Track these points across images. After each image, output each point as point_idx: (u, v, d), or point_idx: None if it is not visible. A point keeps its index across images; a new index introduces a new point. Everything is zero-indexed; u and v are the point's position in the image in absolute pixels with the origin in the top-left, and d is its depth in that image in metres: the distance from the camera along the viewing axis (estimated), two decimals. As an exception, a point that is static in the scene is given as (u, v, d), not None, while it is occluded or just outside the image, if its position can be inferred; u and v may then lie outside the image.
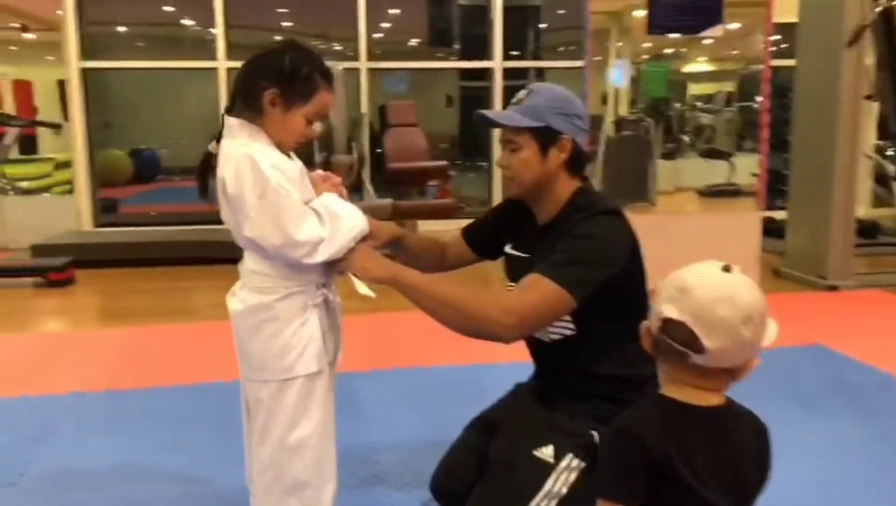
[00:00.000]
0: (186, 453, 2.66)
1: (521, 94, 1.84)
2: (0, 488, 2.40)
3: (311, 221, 1.63)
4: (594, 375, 1.79)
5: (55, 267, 5.25)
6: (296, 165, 1.71)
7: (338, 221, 1.68)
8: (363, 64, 6.96)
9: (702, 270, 1.21)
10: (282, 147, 1.69)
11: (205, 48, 7.03)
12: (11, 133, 8.10)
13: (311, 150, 5.77)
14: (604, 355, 1.78)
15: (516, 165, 1.81)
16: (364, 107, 6.83)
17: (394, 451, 2.62)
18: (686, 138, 7.66)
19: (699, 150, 7.62)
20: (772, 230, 5.90)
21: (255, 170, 1.59)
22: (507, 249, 1.98)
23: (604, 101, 7.52)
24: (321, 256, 1.65)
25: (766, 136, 5.11)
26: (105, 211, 8.20)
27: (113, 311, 4.92)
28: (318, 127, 1.74)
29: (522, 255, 1.90)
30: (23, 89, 11.62)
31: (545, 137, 1.78)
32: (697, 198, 6.92)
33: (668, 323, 1.19)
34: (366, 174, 6.61)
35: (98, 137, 7.56)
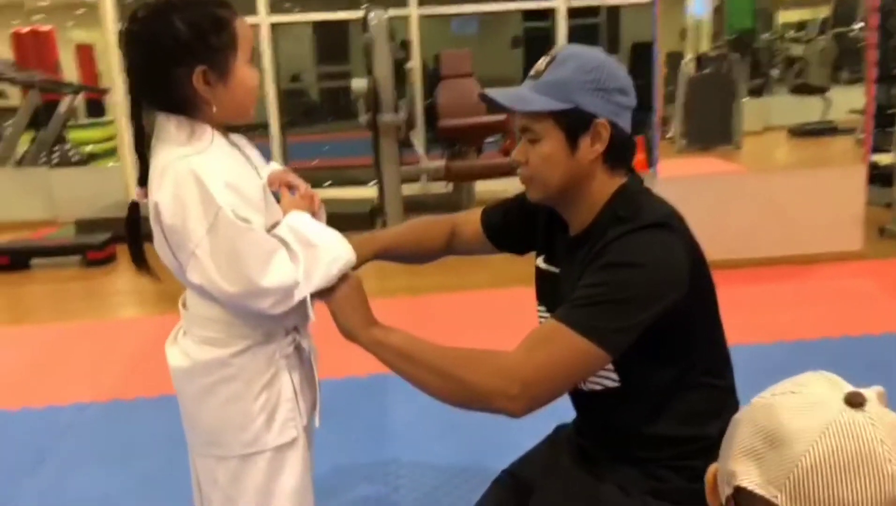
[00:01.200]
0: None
1: (542, 62, 1.38)
2: None
3: (279, 260, 1.23)
4: (647, 437, 1.40)
5: (94, 245, 5.02)
6: (257, 180, 1.29)
7: (314, 252, 1.27)
8: (414, 10, 6.43)
9: (809, 403, 0.72)
10: (243, 116, 1.32)
11: (247, 4, 6.63)
12: (66, 101, 7.98)
13: (355, 110, 5.36)
14: (658, 411, 1.39)
15: (535, 162, 1.38)
16: (416, 57, 6.33)
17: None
18: (775, 73, 7.04)
19: (790, 85, 7.04)
20: (875, 177, 5.20)
21: (203, 192, 1.19)
22: (538, 261, 1.55)
23: (682, 36, 6.98)
24: (294, 301, 1.26)
25: (873, 58, 4.31)
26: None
27: (147, 295, 4.66)
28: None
29: (552, 269, 1.49)
30: (85, 53, 11.55)
31: (574, 123, 1.34)
32: (788, 138, 6.38)
33: (742, 493, 0.73)
34: (418, 134, 6.16)
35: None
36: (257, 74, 1.31)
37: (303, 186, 1.39)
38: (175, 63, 1.22)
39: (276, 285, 1.21)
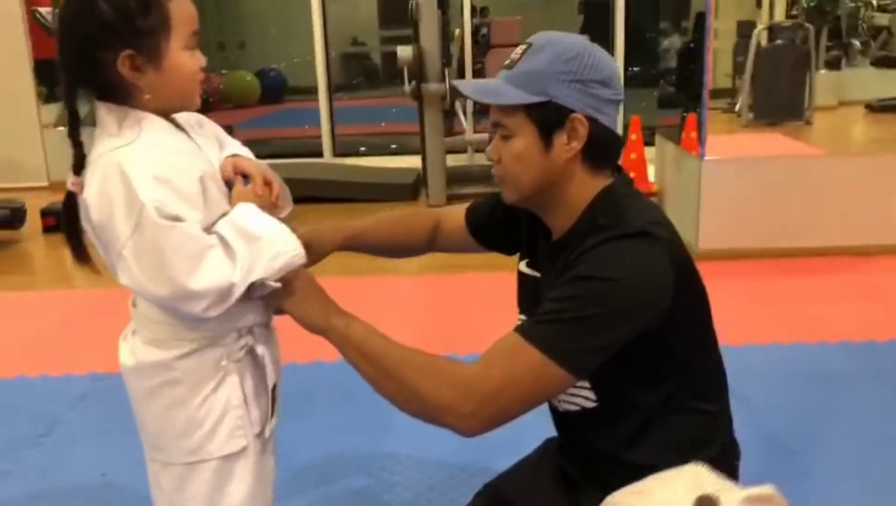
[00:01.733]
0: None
1: (517, 51, 1.28)
2: None
3: (212, 259, 1.14)
4: (626, 463, 1.25)
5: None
6: (196, 168, 1.19)
7: (255, 246, 1.18)
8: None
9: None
10: (184, 104, 1.24)
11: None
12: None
13: (400, 79, 5.24)
14: (639, 437, 1.28)
15: (507, 161, 1.27)
16: (467, 24, 6.16)
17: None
18: (856, 43, 6.65)
19: (871, 56, 6.65)
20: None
21: (128, 188, 1.11)
22: (521, 265, 1.44)
23: (759, 3, 6.65)
24: (231, 302, 1.16)
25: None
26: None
27: None
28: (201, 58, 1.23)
29: (534, 273, 1.39)
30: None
31: (547, 118, 1.23)
32: (865, 114, 6.04)
33: None
34: (466, 103, 6.01)
35: (231, 57, 7.24)
36: (199, 59, 1.21)
37: (258, 174, 1.29)
38: (99, 47, 1.13)
39: (206, 288, 1.12)
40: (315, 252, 1.42)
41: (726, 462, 1.29)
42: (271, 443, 1.42)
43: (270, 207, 1.27)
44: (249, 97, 10.44)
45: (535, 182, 1.25)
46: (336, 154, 6.68)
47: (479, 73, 5.97)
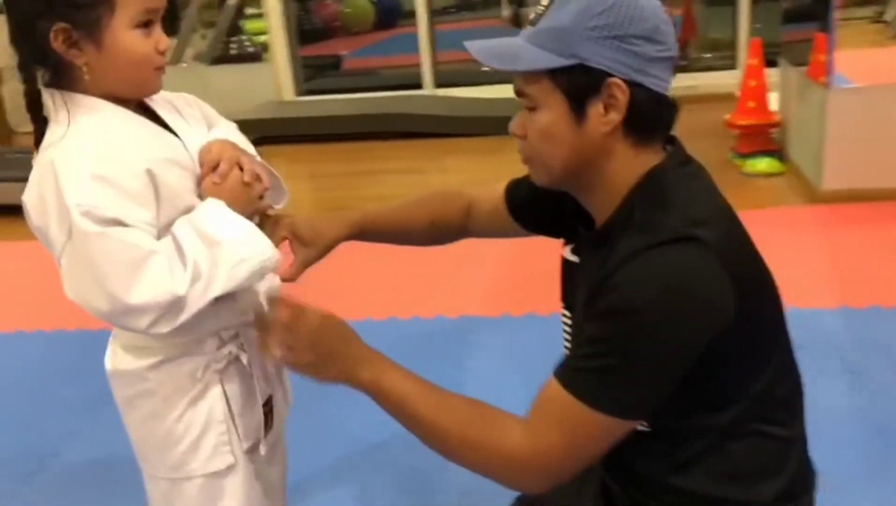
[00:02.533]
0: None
1: (543, 2, 1.04)
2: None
3: (151, 269, 0.98)
4: (675, 491, 1.11)
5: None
6: (143, 160, 1.02)
7: (216, 252, 1.02)
8: None
9: None
10: (134, 91, 1.08)
11: None
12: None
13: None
14: (693, 463, 1.09)
15: (533, 137, 1.06)
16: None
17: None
18: None
19: None
20: None
21: (58, 190, 0.98)
22: (565, 252, 1.23)
23: None
24: (185, 315, 1.01)
25: None
26: (326, 70, 7.94)
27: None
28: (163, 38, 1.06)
29: (575, 259, 1.20)
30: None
31: (577, 85, 1.01)
32: None
33: None
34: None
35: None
36: (157, 41, 1.04)
37: (229, 162, 1.09)
38: (35, 16, 0.99)
39: (145, 302, 0.97)
40: (316, 246, 1.26)
41: (798, 495, 1.12)
42: (278, 449, 1.30)
43: (249, 203, 1.10)
44: (364, 23, 10.28)
45: (566, 162, 1.04)
46: (437, 85, 6.40)
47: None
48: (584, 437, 1.00)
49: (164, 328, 1.00)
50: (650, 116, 1.02)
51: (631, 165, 1.03)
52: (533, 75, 1.02)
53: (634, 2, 0.98)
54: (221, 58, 7.75)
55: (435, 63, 6.40)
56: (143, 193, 1.01)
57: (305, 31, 10.08)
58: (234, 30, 8.14)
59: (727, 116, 4.27)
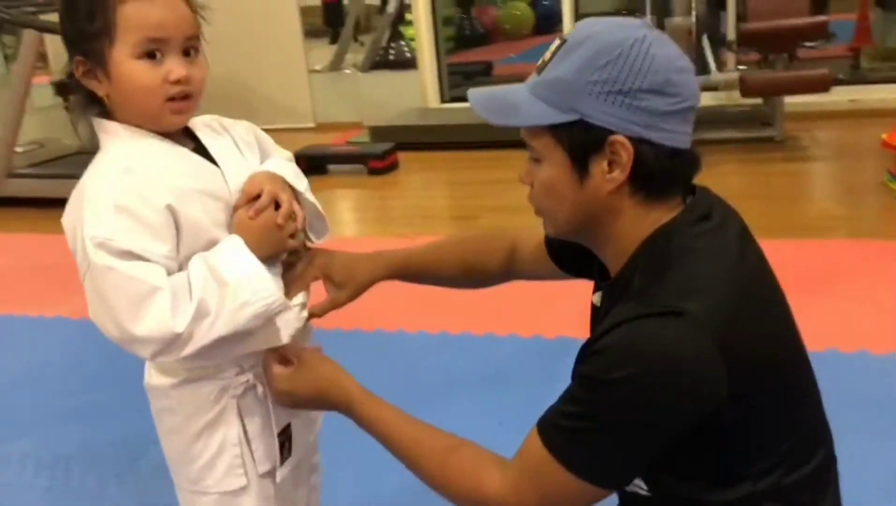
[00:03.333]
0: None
1: (550, 49, 1.02)
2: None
3: (153, 305, 1.02)
4: None
5: (375, 154, 5.16)
6: (166, 194, 1.06)
7: (224, 291, 1.05)
8: None
9: None
10: (148, 121, 1.10)
11: None
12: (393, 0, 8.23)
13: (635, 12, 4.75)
14: None
15: (538, 189, 1.05)
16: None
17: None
18: None
19: None
20: None
21: (81, 221, 1.05)
22: (594, 298, 1.18)
23: None
24: (189, 350, 1.05)
25: None
26: (476, 76, 7.97)
27: (392, 214, 4.59)
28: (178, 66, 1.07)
29: (599, 305, 1.15)
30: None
31: (579, 141, 0.97)
32: None
33: None
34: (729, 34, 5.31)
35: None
36: (167, 71, 1.06)
37: (267, 201, 1.11)
38: (67, 48, 1.08)
39: (147, 335, 1.02)
40: (347, 289, 1.27)
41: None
42: (303, 472, 1.33)
43: (278, 243, 1.13)
44: (523, 28, 10.27)
45: (570, 218, 1.02)
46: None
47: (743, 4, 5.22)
48: (559, 496, 0.98)
49: (169, 358, 1.05)
50: (661, 173, 0.96)
51: (640, 223, 0.98)
52: (534, 129, 0.99)
53: (644, 52, 0.93)
54: (379, 63, 8.01)
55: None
56: (162, 227, 1.05)
57: (466, 36, 10.26)
58: (395, 35, 8.38)
59: (884, 136, 3.91)
